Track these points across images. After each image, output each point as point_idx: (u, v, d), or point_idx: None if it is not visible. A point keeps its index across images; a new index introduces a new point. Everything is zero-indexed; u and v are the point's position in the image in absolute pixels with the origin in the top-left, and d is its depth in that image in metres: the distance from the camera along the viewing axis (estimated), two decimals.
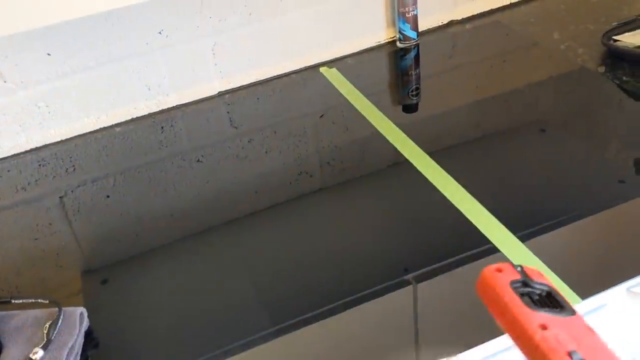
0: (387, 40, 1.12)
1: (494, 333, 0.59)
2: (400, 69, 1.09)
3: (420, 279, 0.67)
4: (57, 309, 0.65)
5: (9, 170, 0.95)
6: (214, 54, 1.01)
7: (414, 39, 1.09)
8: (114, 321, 0.69)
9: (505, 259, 0.67)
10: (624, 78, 0.94)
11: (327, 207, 0.80)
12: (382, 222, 0.76)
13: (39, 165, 0.95)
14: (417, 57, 1.09)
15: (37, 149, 0.98)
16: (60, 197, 0.88)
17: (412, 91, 1.03)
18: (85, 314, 0.66)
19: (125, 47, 0.95)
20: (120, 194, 0.87)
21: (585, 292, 0.62)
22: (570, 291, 0.63)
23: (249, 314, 0.67)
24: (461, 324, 0.62)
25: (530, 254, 0.67)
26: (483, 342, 0.59)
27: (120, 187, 0.88)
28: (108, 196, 0.87)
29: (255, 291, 0.69)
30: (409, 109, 0.99)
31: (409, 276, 0.67)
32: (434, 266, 0.68)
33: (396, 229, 0.75)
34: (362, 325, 0.64)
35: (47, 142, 0.98)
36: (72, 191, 0.89)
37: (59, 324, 0.63)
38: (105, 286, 0.74)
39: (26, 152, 0.98)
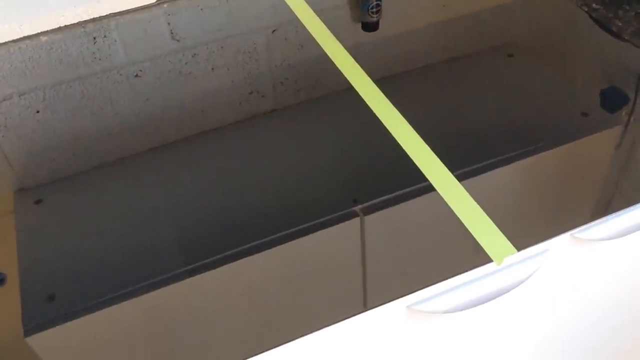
0: None
1: (440, 271, 0.65)
2: None
3: (367, 211, 0.71)
4: None
5: None
6: None
7: None
8: (44, 244, 0.70)
9: (441, 199, 0.70)
10: (594, 6, 0.98)
11: (277, 130, 0.82)
12: (331, 151, 0.78)
13: None
14: None
15: None
16: None
17: (372, 8, 1.02)
18: None
19: None
20: (52, 110, 0.86)
21: (522, 241, 0.66)
22: (506, 240, 0.66)
23: (185, 241, 0.68)
24: (407, 258, 0.67)
25: (467, 195, 0.70)
26: (430, 278, 0.64)
27: (51, 103, 0.87)
28: (38, 111, 0.85)
29: (194, 218, 0.71)
30: (369, 27, 0.99)
31: (357, 207, 0.71)
32: (381, 199, 0.71)
33: (345, 159, 0.77)
34: (308, 257, 0.67)
35: None
36: None
37: None
38: (39, 206, 0.74)
39: None
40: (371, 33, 0.98)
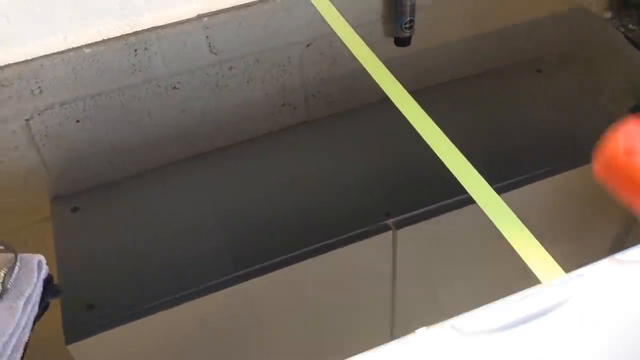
0: None
1: (471, 286, 0.64)
2: None
3: (400, 225, 0.70)
4: (12, 255, 0.65)
5: None
6: None
7: None
8: (82, 251, 0.72)
9: (481, 213, 0.69)
10: (630, 26, 0.97)
11: (309, 142, 0.84)
12: (363, 163, 0.79)
13: (2, 85, 0.96)
14: None
15: None
16: (26, 120, 0.90)
17: (405, 24, 1.05)
18: (44, 262, 0.67)
19: None
20: (92, 119, 0.89)
21: (566, 260, 0.64)
22: (553, 261, 0.65)
23: (219, 253, 0.70)
24: (438, 273, 0.67)
25: (508, 209, 0.69)
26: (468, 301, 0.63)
27: (91, 113, 0.90)
28: (78, 121, 0.89)
29: (227, 229, 0.72)
30: (402, 42, 1.01)
31: (390, 221, 0.71)
32: (414, 213, 0.71)
33: (377, 171, 0.78)
34: (338, 270, 0.67)
35: (10, 62, 0.99)
36: (39, 114, 0.91)
37: (16, 272, 0.64)
38: (76, 214, 0.77)
39: None
40: (403, 48, 1.00)
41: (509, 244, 0.66)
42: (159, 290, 0.67)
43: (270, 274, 0.67)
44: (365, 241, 0.69)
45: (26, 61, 1.00)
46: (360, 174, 0.78)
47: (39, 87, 0.95)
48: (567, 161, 0.76)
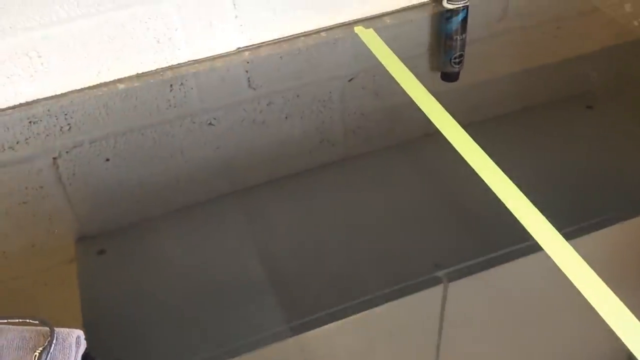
0: None
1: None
2: (444, 32, 1.06)
3: (453, 277, 0.64)
4: (48, 329, 0.61)
5: None
6: (234, 4, 0.99)
7: (465, 0, 1.06)
8: (108, 298, 0.68)
9: (548, 260, 0.63)
10: None
11: (349, 180, 0.79)
12: (409, 203, 0.74)
13: (30, 122, 0.94)
14: (464, 20, 1.06)
15: (27, 104, 0.97)
16: (53, 158, 0.87)
17: (455, 58, 1.01)
18: (82, 337, 0.62)
19: None
20: (122, 157, 0.86)
21: None
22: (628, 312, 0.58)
23: (258, 301, 0.65)
24: (491, 335, 0.60)
25: (578, 257, 0.64)
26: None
27: (121, 150, 0.87)
28: (108, 159, 0.86)
29: (266, 274, 0.68)
30: (450, 77, 0.97)
31: (440, 273, 0.65)
32: (467, 263, 0.65)
33: (425, 212, 0.73)
34: (379, 327, 0.62)
35: (39, 97, 0.97)
36: (67, 152, 0.87)
37: (52, 350, 0.59)
38: (103, 257, 0.73)
39: (14, 107, 0.97)
40: (451, 83, 0.96)
41: (584, 298, 0.58)
42: (189, 344, 0.62)
43: (307, 333, 0.62)
44: (410, 297, 0.63)
45: (56, 96, 0.98)
46: (405, 216, 0.73)
47: (68, 124, 0.92)
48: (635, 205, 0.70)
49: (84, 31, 0.94)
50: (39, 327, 0.61)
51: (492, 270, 0.64)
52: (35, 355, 0.59)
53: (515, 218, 0.68)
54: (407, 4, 1.09)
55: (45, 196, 0.81)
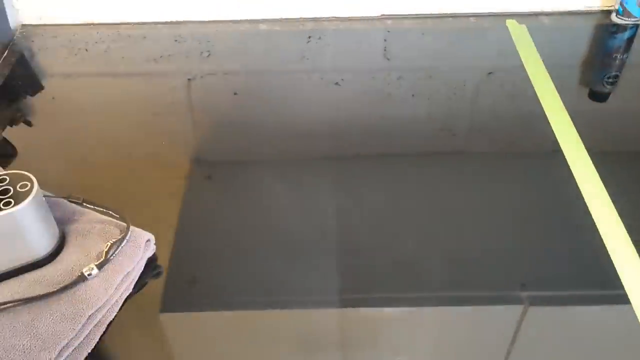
0: (600, 9, 1.05)
1: None
2: (604, 46, 1.01)
3: (535, 302, 0.63)
4: (125, 225, 0.65)
5: (144, 37, 1.01)
6: None
7: (636, 18, 1.01)
8: (203, 223, 0.72)
9: (633, 316, 0.61)
10: None
11: (460, 174, 0.78)
12: (512, 213, 0.73)
13: (175, 41, 0.99)
14: (631, 39, 1.00)
15: (176, 23, 1.03)
16: (188, 79, 0.92)
17: (608, 78, 0.95)
18: (153, 241, 0.67)
19: None
20: (248, 94, 0.89)
21: None
22: None
23: (330, 265, 0.67)
24: None
25: None
26: None
27: (249, 87, 0.91)
28: (236, 93, 0.90)
29: (352, 245, 0.69)
30: (597, 97, 0.92)
31: (524, 294, 0.64)
32: (553, 293, 0.64)
33: (526, 229, 0.71)
34: (450, 326, 0.62)
35: (187, 19, 1.03)
36: (201, 77, 0.92)
37: (122, 246, 0.64)
38: (209, 182, 0.77)
39: (164, 23, 1.03)
40: (596, 103, 0.91)
41: None
42: (264, 286, 0.65)
43: (372, 309, 0.63)
44: (487, 307, 0.63)
45: (202, 22, 1.03)
46: (505, 226, 0.71)
47: (208, 51, 0.97)
48: None
49: None
50: (119, 222, 0.67)
51: (575, 308, 0.63)
52: (108, 244, 0.64)
53: (612, 261, 0.66)
54: (572, 8, 1.04)
55: (173, 113, 0.86)
